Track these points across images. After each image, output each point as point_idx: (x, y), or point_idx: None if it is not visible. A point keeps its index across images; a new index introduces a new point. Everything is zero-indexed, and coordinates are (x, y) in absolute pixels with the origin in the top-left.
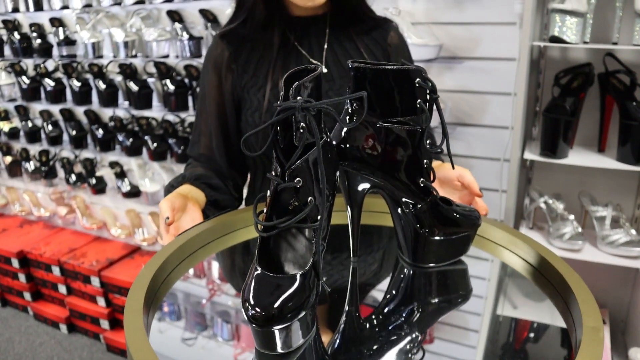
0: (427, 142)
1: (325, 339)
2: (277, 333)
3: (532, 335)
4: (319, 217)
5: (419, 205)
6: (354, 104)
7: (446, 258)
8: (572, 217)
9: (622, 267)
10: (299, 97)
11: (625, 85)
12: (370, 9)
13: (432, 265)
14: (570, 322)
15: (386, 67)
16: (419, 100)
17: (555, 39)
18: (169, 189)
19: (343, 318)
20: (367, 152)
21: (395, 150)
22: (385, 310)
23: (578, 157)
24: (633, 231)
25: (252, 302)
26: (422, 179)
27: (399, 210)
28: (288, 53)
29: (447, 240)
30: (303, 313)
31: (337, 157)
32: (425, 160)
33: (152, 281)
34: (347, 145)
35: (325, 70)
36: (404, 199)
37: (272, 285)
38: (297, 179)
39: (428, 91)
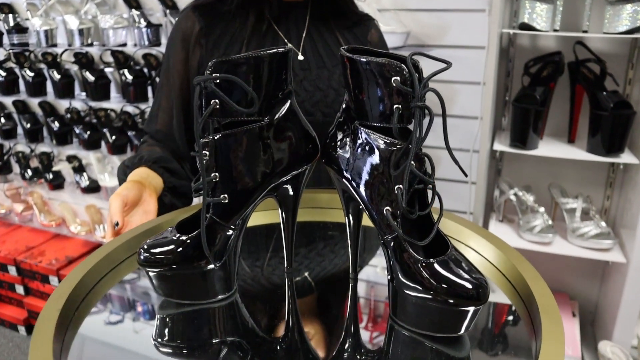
0: (402, 163)
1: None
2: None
3: (510, 318)
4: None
5: (385, 239)
6: (348, 99)
7: (422, 326)
8: (542, 209)
9: (592, 259)
10: (214, 75)
11: (595, 75)
12: (354, 3)
13: (403, 325)
14: (531, 328)
15: (362, 59)
16: (397, 106)
17: (525, 26)
18: (124, 170)
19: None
20: (343, 156)
21: (364, 161)
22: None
23: (548, 148)
24: (603, 223)
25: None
26: (387, 208)
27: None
28: (264, 34)
29: (418, 300)
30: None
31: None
32: (398, 187)
33: (69, 301)
34: (329, 147)
35: (301, 57)
36: (375, 225)
37: (167, 241)
38: (204, 151)
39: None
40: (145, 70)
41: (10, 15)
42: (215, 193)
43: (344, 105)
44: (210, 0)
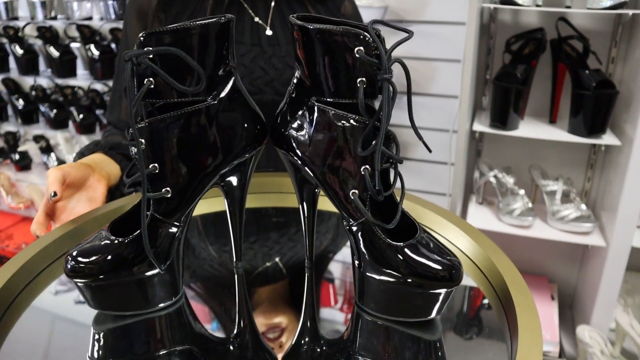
0: (372, 142)
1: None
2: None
3: (485, 301)
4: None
5: (351, 225)
6: (300, 74)
7: (392, 312)
8: (522, 192)
9: (572, 243)
10: (146, 49)
11: (578, 53)
12: None
13: (371, 312)
14: (505, 322)
15: (318, 27)
16: (361, 79)
17: (507, 1)
18: (80, 156)
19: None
20: (298, 137)
21: (325, 141)
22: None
23: (529, 128)
24: (583, 206)
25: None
26: (353, 191)
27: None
28: (228, 7)
29: (388, 286)
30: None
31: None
32: (364, 167)
33: None
34: (281, 127)
35: (269, 32)
36: (340, 210)
37: (100, 246)
38: (140, 140)
39: (375, 69)
40: (113, 45)
41: None
42: (155, 187)
43: (295, 81)
44: None
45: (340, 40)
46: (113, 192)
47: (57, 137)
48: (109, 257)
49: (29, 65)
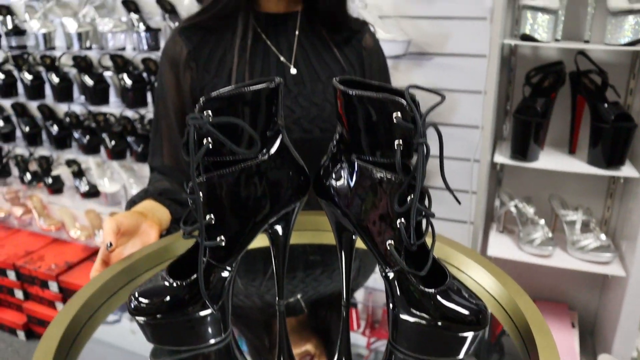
0: (409, 197)
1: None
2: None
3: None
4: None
5: (387, 272)
6: (342, 131)
7: (424, 352)
8: (542, 221)
9: (592, 272)
10: (206, 113)
11: (597, 85)
12: (347, 12)
13: (404, 351)
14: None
15: (359, 93)
16: (398, 142)
17: (527, 37)
18: (131, 204)
19: None
20: (339, 190)
21: (364, 195)
22: None
23: (549, 160)
24: (603, 236)
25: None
26: (390, 242)
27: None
28: (254, 48)
29: (421, 328)
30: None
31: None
32: (400, 221)
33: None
34: (323, 178)
35: (294, 71)
36: (376, 258)
37: (160, 287)
38: (196, 193)
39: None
40: (145, 74)
41: (9, 17)
42: (211, 236)
43: (336, 136)
44: (195, 20)
45: (379, 105)
46: (164, 237)
47: (88, 161)
48: (168, 298)
49: (63, 92)
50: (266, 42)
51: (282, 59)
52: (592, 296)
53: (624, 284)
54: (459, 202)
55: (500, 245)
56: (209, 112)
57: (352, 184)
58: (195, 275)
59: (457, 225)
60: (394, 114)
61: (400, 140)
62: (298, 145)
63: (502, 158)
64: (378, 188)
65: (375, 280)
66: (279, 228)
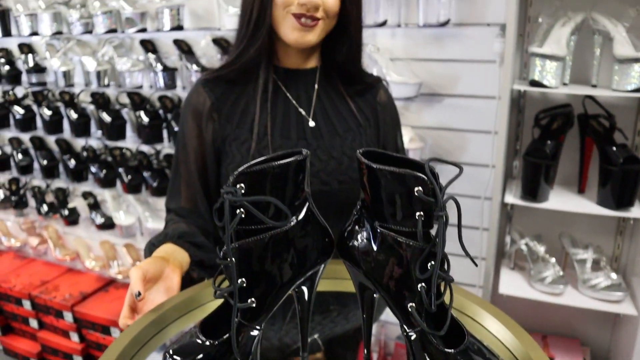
0: (430, 264)
1: None
2: None
3: None
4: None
5: (409, 332)
6: (365, 198)
7: None
8: (553, 260)
9: (604, 311)
10: (239, 186)
11: (605, 128)
12: (361, 67)
13: None
14: None
15: (382, 168)
16: (419, 214)
17: (536, 83)
18: (150, 247)
19: None
20: (362, 254)
21: (387, 260)
22: None
23: (558, 200)
24: (614, 275)
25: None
26: (411, 304)
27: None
28: (275, 102)
29: None
30: None
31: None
32: (421, 285)
33: None
34: (347, 241)
35: (312, 124)
36: (398, 318)
37: (193, 346)
38: (230, 259)
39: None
40: (161, 112)
41: (30, 55)
42: (243, 298)
43: (360, 203)
44: (218, 73)
45: (401, 179)
46: (184, 278)
47: (104, 194)
48: (200, 356)
49: (81, 127)
50: (286, 95)
51: (301, 111)
52: (605, 332)
53: (636, 322)
54: (476, 265)
55: (512, 283)
56: (242, 185)
57: (374, 248)
58: (227, 335)
59: (469, 261)
60: (416, 189)
61: (422, 212)
62: (316, 197)
63: (512, 198)
64: (400, 254)
65: (387, 312)
66: (304, 288)
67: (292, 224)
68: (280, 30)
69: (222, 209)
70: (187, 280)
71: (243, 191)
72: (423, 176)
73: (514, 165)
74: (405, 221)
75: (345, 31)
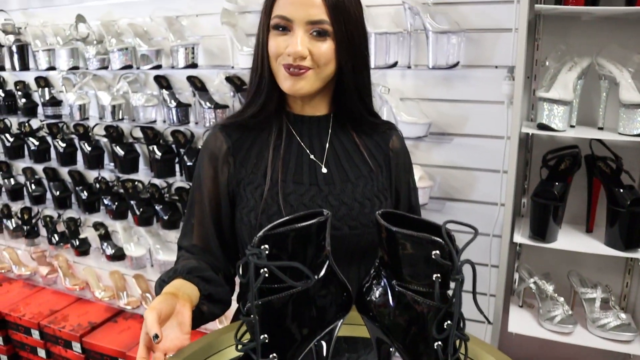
0: (446, 323)
1: None
2: None
3: None
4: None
5: None
6: (383, 256)
7: None
8: (561, 299)
9: (613, 351)
10: (263, 247)
11: (612, 169)
12: (374, 113)
13: None
14: None
15: (401, 231)
16: (436, 276)
17: (544, 127)
18: (160, 283)
19: None
20: (380, 310)
21: (404, 318)
22: None
23: (567, 240)
24: (623, 315)
25: None
26: None
27: None
28: (288, 148)
29: None
30: None
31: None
32: (438, 343)
33: None
34: (365, 297)
35: (325, 170)
36: None
37: None
38: (253, 316)
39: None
40: (174, 146)
41: (46, 89)
42: (265, 353)
43: (378, 261)
44: (235, 119)
45: (419, 242)
46: (194, 312)
47: (115, 225)
48: None
49: (94, 160)
50: (300, 142)
51: (313, 158)
52: None
53: None
54: (490, 322)
55: (521, 321)
56: (266, 246)
57: (392, 305)
58: None
59: (478, 297)
60: (433, 252)
61: (439, 274)
62: None
63: (521, 238)
64: (417, 312)
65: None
66: (323, 342)
67: (313, 282)
68: (278, 81)
69: (246, 267)
70: (198, 314)
71: (267, 252)
72: (440, 240)
73: (522, 204)
74: (422, 281)
75: (344, 79)
